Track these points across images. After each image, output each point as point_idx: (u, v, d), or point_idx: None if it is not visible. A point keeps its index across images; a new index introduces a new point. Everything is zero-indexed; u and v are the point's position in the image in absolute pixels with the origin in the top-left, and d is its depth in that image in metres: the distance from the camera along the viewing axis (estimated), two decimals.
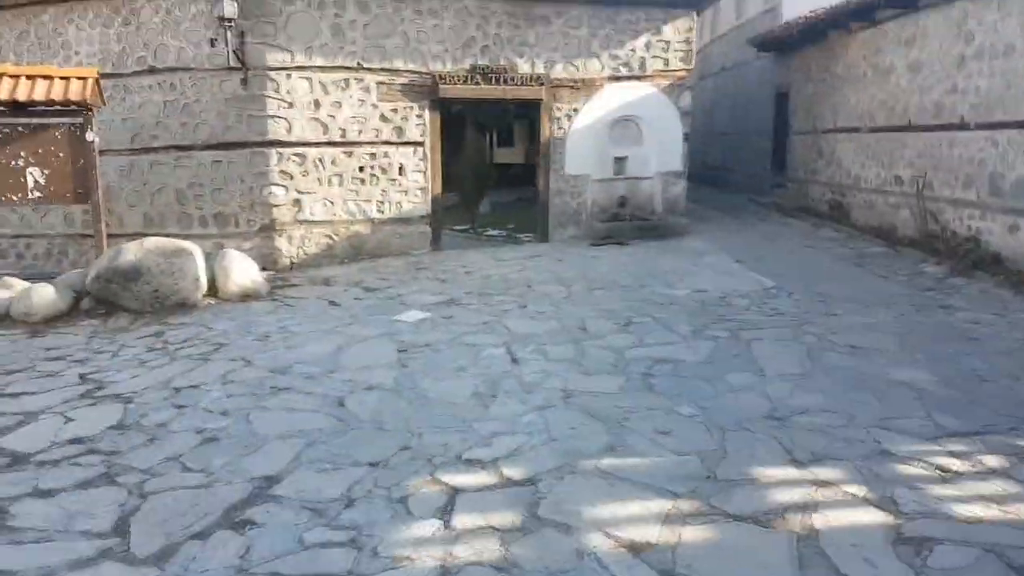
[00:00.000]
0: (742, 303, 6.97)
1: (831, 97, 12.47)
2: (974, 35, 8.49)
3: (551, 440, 3.89)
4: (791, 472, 3.54)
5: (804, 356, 5.29)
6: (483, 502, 3.25)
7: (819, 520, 3.07)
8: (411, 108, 10.10)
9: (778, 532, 2.99)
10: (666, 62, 11.09)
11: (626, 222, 11.04)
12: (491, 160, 17.64)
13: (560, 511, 3.15)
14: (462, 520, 3.09)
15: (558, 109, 10.74)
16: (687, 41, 11.14)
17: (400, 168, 10.18)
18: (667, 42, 11.05)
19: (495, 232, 13.48)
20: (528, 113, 14.14)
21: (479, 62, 10.28)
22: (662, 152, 11.23)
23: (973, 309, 6.58)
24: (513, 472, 3.53)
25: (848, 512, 3.14)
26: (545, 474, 3.50)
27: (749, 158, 17.12)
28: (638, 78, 11.01)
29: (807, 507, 3.18)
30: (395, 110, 10.04)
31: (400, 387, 4.78)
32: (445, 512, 3.16)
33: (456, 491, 3.36)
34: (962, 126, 8.76)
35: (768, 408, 4.35)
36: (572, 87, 10.75)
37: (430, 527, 3.04)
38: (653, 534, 2.97)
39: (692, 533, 2.98)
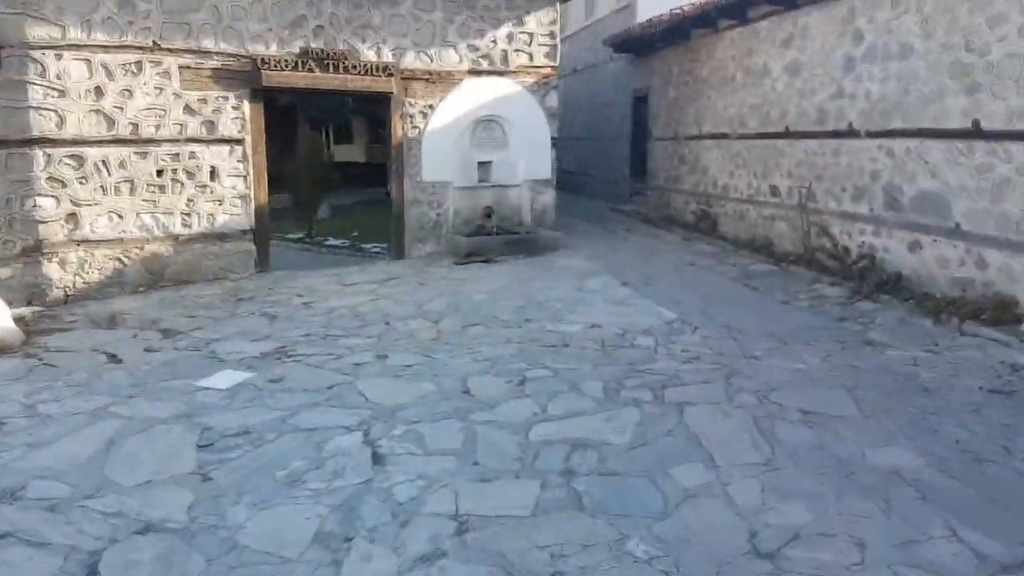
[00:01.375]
0: (647, 343, 5.78)
1: (695, 101, 11.79)
2: (864, 34, 7.87)
3: None
4: None
5: (753, 430, 4.08)
6: None
7: None
8: (225, 98, 8.05)
9: None
10: (530, 57, 9.93)
11: (493, 236, 9.61)
12: (330, 159, 15.95)
13: None
14: None
15: (411, 105, 9.13)
16: (551, 35, 10.08)
17: (212, 171, 8.09)
18: (530, 34, 9.90)
19: (337, 243, 11.89)
20: (369, 108, 12.48)
21: (312, 45, 8.43)
22: (530, 157, 9.99)
23: (902, 345, 5.72)
24: None
25: None
26: None
27: (607, 164, 16.37)
28: (500, 73, 9.70)
29: None
30: (204, 100, 7.95)
31: (197, 525, 3.02)
32: None
33: None
34: (851, 133, 8.14)
35: (746, 533, 3.07)
36: (427, 80, 9.19)
37: None
38: None
39: None
